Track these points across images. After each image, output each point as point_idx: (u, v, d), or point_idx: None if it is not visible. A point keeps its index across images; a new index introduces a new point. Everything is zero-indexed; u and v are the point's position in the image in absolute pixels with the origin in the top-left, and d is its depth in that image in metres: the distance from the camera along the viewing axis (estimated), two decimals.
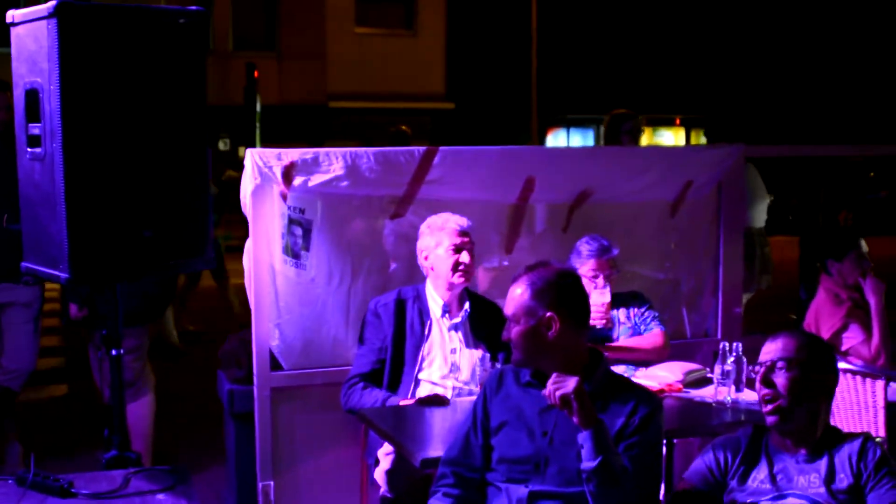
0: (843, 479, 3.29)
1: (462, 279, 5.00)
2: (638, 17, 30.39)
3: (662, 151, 6.90)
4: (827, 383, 3.43)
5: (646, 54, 30.51)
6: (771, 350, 3.41)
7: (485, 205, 5.75)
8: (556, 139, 34.25)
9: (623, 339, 5.42)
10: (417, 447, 4.10)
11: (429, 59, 32.38)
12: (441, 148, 5.49)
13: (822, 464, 3.33)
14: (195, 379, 9.07)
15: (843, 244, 5.99)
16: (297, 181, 5.26)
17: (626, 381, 3.75)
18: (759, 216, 7.39)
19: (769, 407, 3.38)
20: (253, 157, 5.20)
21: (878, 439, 4.85)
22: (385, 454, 4.82)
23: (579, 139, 34.30)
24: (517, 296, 3.61)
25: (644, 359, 5.37)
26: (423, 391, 4.91)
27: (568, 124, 33.98)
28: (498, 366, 4.70)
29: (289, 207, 5.36)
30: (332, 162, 5.29)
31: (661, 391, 4.88)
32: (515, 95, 30.15)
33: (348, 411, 4.96)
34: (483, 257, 5.77)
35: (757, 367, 3.43)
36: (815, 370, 3.39)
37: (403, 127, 9.44)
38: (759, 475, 3.40)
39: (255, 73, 23.90)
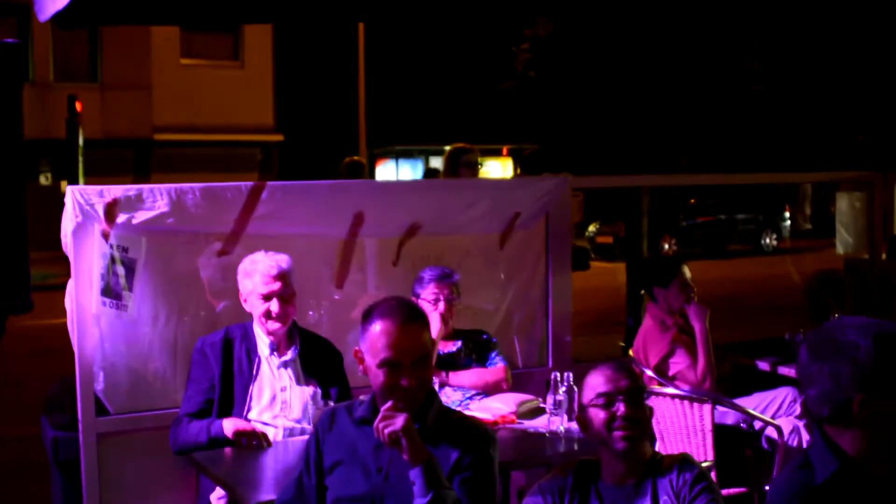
0: (666, 502, 3.34)
1: (277, 325, 4.91)
2: (464, 47, 30.72)
3: (490, 184, 6.94)
4: (651, 411, 3.51)
5: (473, 84, 30.86)
6: (614, 379, 3.45)
7: (315, 239, 5.72)
8: (386, 169, 34.37)
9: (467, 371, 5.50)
10: (250, 491, 4.01)
11: (257, 91, 32.13)
12: (269, 183, 5.43)
13: (648, 491, 3.38)
14: (16, 424, 8.72)
15: (667, 271, 6.12)
16: (121, 219, 5.12)
17: (459, 416, 3.74)
18: None
19: (623, 433, 3.40)
20: (73, 195, 5.05)
21: (706, 463, 4.97)
22: (217, 498, 4.71)
23: (408, 169, 34.47)
24: None
25: (485, 390, 5.43)
26: None
27: (397, 155, 34.14)
28: (331, 403, 4.64)
29: (111, 246, 5.20)
30: (157, 198, 5.18)
31: (495, 423, 4.90)
32: (345, 126, 30.11)
33: (178, 452, 4.83)
34: (314, 292, 5.72)
35: (598, 399, 3.45)
36: (646, 398, 3.47)
37: (356, 157, 9.33)
38: None
39: (77, 105, 23.24)
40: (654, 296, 6.16)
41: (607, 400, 3.43)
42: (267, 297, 4.88)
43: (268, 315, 4.88)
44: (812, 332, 2.86)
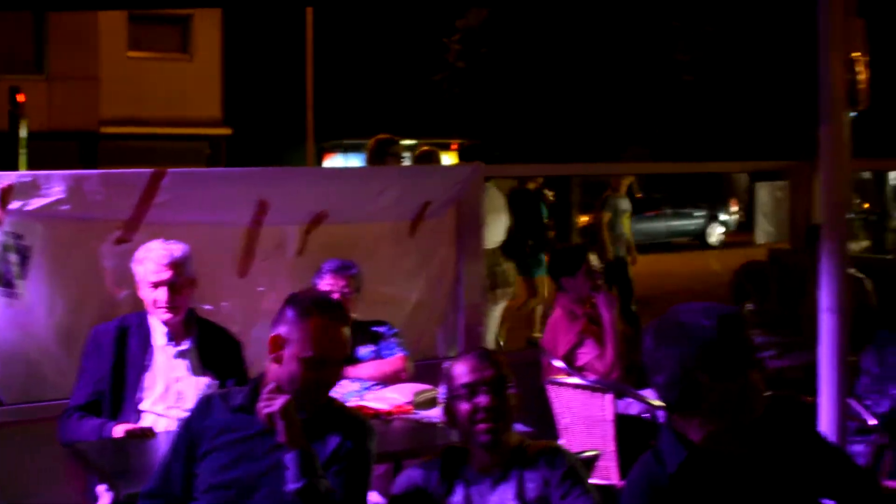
0: (533, 490, 3.32)
1: (168, 315, 4.80)
2: (413, 42, 30.66)
3: (399, 172, 6.89)
4: (517, 399, 3.45)
5: (422, 79, 30.84)
6: (478, 370, 3.40)
7: (217, 227, 5.63)
8: (334, 163, 34.13)
9: (366, 362, 5.45)
10: (126, 481, 3.94)
11: (205, 84, 31.89)
12: (170, 170, 5.35)
13: (514, 478, 3.35)
14: None
15: (573, 260, 6.08)
16: (14, 205, 5.05)
17: (341, 407, 3.71)
18: (492, 236, 7.50)
19: (484, 426, 3.37)
20: None
21: (592, 452, 4.93)
22: (105, 490, 4.62)
23: (357, 163, 34.24)
24: None
25: (383, 381, 5.38)
26: (147, 422, 4.72)
27: (345, 149, 33.93)
28: None
29: (4, 233, 5.09)
30: (54, 185, 5.13)
31: (390, 413, 4.86)
32: (293, 120, 29.98)
33: (65, 445, 4.74)
34: (216, 282, 5.63)
35: (461, 390, 3.42)
36: (511, 388, 3.42)
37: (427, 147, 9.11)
38: (456, 497, 3.39)
39: (19, 97, 22.95)
40: (562, 286, 6.12)
41: (470, 391, 3.39)
42: (156, 286, 4.79)
43: (156, 304, 4.79)
44: (656, 319, 2.84)
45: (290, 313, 3.49)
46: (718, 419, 2.76)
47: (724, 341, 2.72)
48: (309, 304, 3.50)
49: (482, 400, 3.36)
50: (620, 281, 13.02)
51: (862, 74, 4.31)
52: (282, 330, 3.48)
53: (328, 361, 3.45)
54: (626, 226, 13.23)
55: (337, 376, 3.56)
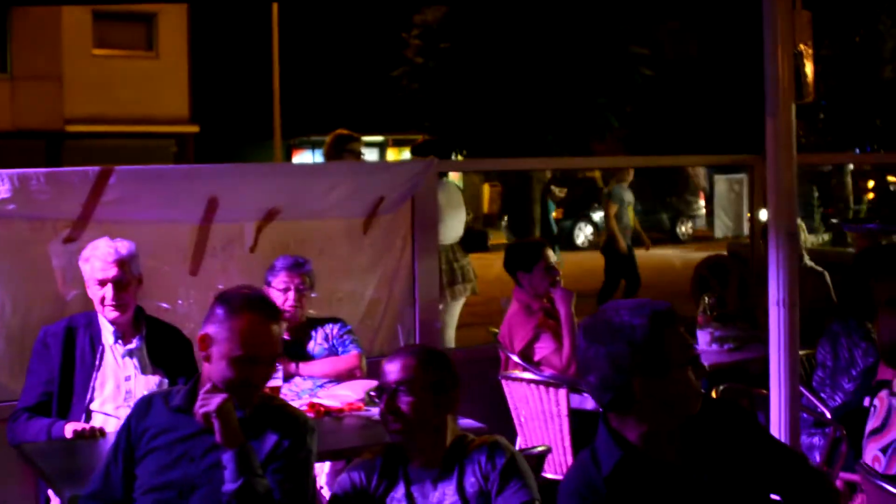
0: (474, 484, 3.29)
1: (115, 314, 4.75)
2: (382, 39, 30.61)
3: (351, 168, 6.83)
4: (450, 398, 3.40)
5: (386, 75, 30.85)
6: (392, 371, 3.36)
7: (168, 225, 5.59)
8: (302, 160, 34.05)
9: (320, 359, 5.41)
10: (70, 483, 3.88)
11: (172, 82, 31.68)
12: (117, 168, 5.31)
13: (455, 473, 3.33)
14: None
15: (530, 255, 6.06)
16: None
17: (281, 405, 3.69)
18: (450, 232, 7.46)
19: (390, 427, 3.35)
20: None
21: (541, 448, 4.91)
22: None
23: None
24: None
25: (338, 378, 5.33)
26: (97, 422, 4.68)
27: (313, 146, 33.86)
28: None
29: None
30: None
31: (341, 410, 4.83)
32: (261, 117, 29.87)
33: (14, 447, 4.68)
34: (168, 280, 5.59)
35: (378, 389, 3.40)
36: (436, 389, 3.36)
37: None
38: (397, 494, 3.36)
39: None
40: (518, 280, 6.10)
41: (378, 393, 3.38)
42: (103, 283, 4.74)
43: (103, 302, 4.74)
44: (589, 316, 2.81)
45: (219, 311, 3.46)
46: (653, 418, 2.73)
47: (655, 340, 2.68)
48: (238, 303, 3.45)
49: (386, 402, 3.33)
50: (629, 274, 13.04)
51: (809, 67, 4.30)
52: (210, 329, 3.45)
53: (257, 360, 3.41)
54: (631, 216, 13.22)
55: (268, 375, 3.53)
